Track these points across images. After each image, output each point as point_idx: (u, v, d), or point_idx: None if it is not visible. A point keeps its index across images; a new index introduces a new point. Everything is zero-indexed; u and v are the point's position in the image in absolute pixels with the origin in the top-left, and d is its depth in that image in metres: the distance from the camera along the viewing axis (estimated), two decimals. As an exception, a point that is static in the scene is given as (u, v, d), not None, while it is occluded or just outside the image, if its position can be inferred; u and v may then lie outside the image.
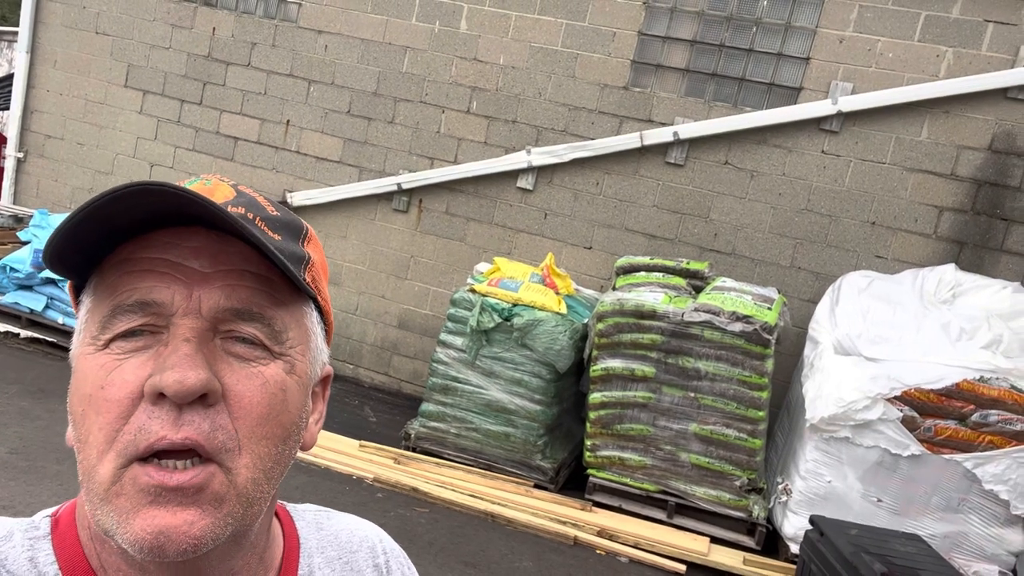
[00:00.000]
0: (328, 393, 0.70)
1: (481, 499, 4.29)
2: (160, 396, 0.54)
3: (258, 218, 0.60)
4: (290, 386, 0.60)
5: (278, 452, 0.59)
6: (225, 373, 0.56)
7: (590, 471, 4.55)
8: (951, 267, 4.68)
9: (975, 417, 3.84)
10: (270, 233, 0.60)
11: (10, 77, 7.81)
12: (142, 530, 0.53)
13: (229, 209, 0.58)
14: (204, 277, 0.57)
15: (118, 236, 0.57)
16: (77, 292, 0.62)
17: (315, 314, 0.65)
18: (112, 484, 0.54)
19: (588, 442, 4.53)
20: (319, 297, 0.64)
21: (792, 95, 5.24)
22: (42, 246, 5.42)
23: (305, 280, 0.61)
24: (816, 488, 4.06)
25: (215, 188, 0.61)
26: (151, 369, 0.55)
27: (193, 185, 0.61)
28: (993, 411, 3.84)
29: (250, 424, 0.56)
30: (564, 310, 4.64)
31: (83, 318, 0.60)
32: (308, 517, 0.76)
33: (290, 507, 0.76)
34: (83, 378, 0.57)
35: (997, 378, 3.86)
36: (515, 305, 4.61)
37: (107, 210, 0.54)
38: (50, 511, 0.64)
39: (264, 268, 0.59)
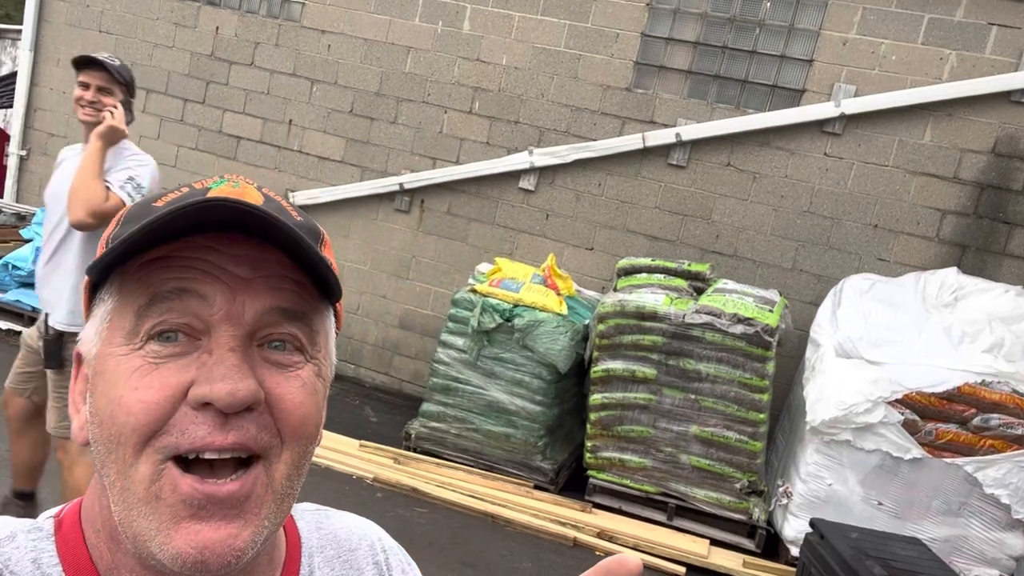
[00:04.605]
0: (327, 393, 0.70)
1: (481, 500, 4.28)
2: (204, 404, 0.54)
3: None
4: (320, 388, 0.61)
5: (307, 451, 0.60)
6: (266, 377, 0.57)
7: (590, 472, 4.54)
8: (953, 270, 4.67)
9: (976, 421, 3.83)
10: None
11: (13, 75, 7.82)
12: (186, 545, 0.53)
13: None
14: (246, 283, 0.57)
15: (158, 239, 0.57)
16: (93, 289, 0.61)
17: (332, 318, 0.66)
18: (151, 483, 0.54)
19: (588, 443, 4.53)
20: (338, 301, 0.66)
21: (795, 97, 5.23)
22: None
23: None
24: (817, 491, 4.05)
25: (244, 191, 0.60)
26: (193, 375, 0.55)
27: (221, 187, 0.61)
28: (994, 415, 3.83)
29: (293, 425, 0.58)
30: (565, 311, 4.64)
31: (105, 315, 0.58)
32: (308, 517, 0.76)
33: None
34: (113, 379, 0.56)
35: (999, 382, 3.85)
36: (516, 306, 4.60)
37: (170, 224, 0.54)
38: (53, 512, 0.64)
39: (299, 275, 0.60)
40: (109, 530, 0.58)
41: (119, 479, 0.55)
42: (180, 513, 0.53)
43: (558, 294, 4.78)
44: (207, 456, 0.54)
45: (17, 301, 5.57)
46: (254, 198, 0.60)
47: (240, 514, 0.55)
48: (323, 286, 0.61)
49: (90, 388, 0.58)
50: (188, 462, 0.54)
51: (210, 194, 0.57)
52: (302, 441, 0.59)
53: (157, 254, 0.57)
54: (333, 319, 0.66)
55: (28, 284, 5.58)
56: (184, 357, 0.55)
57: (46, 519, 0.62)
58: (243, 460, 0.56)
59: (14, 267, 5.51)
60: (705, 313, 4.21)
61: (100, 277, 0.59)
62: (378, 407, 5.78)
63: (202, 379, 0.54)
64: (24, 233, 5.90)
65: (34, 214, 6.11)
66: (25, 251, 5.56)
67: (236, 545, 0.54)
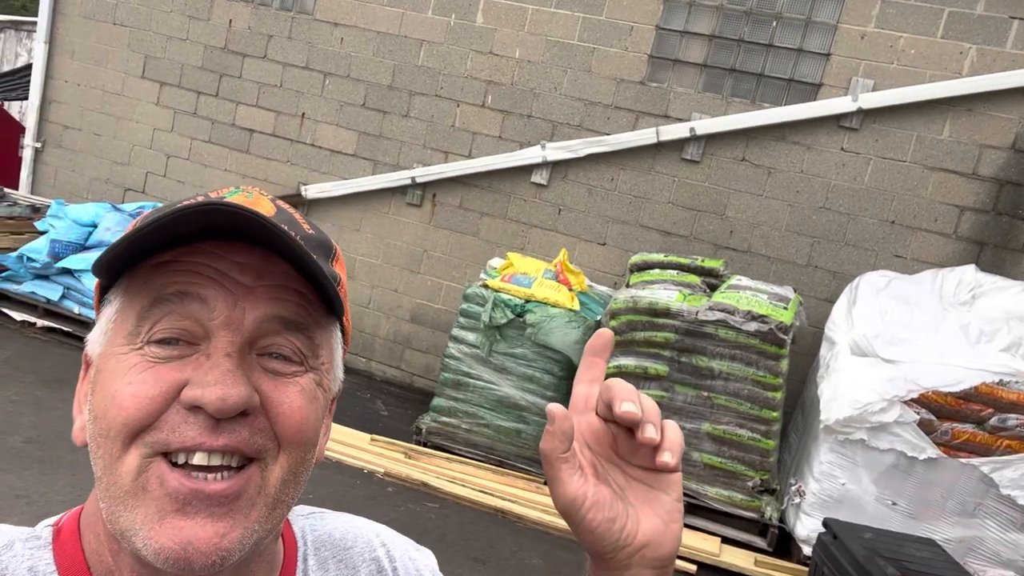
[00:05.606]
0: (334, 408, 0.70)
1: (491, 495, 4.28)
2: (196, 407, 0.53)
3: (298, 236, 0.59)
4: (319, 397, 0.61)
5: (304, 459, 0.59)
6: (262, 382, 0.57)
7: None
8: (971, 268, 4.61)
9: (993, 421, 3.79)
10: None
11: (29, 67, 7.86)
12: (169, 540, 0.52)
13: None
14: (249, 290, 0.57)
15: (165, 244, 0.57)
16: (102, 291, 0.61)
17: (339, 333, 0.65)
18: (137, 475, 0.53)
19: (600, 439, 4.50)
20: (345, 317, 0.65)
21: (812, 91, 5.17)
22: (59, 236, 5.43)
23: None
24: (830, 490, 4.02)
25: (257, 202, 0.60)
26: (189, 375, 0.54)
27: (234, 197, 0.61)
28: (1012, 415, 3.79)
29: (290, 430, 0.57)
30: (577, 307, 4.62)
31: (111, 316, 0.59)
32: (302, 521, 0.76)
33: None
34: (110, 375, 0.56)
35: (1016, 382, 3.80)
36: (528, 301, 4.59)
37: (175, 227, 0.54)
38: (52, 520, 0.63)
39: (304, 286, 0.59)
40: (109, 533, 0.58)
41: (105, 474, 0.55)
42: (166, 507, 0.52)
43: (570, 290, 4.76)
44: (197, 461, 0.53)
45: (32, 293, 5.61)
46: (266, 209, 0.60)
47: (229, 513, 0.54)
48: (327, 300, 0.60)
49: (92, 387, 0.58)
50: (179, 467, 0.54)
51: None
52: (300, 447, 0.58)
53: (164, 258, 0.57)
54: (340, 335, 0.65)
55: (42, 276, 5.61)
56: (182, 359, 0.55)
57: (44, 527, 0.62)
58: (237, 469, 0.55)
59: (29, 259, 5.54)
60: (718, 310, 4.18)
61: (110, 280, 0.59)
62: (389, 401, 5.78)
63: (195, 382, 0.54)
64: (39, 225, 5.93)
65: (49, 206, 6.14)
66: (40, 243, 5.58)
67: (222, 545, 0.53)
